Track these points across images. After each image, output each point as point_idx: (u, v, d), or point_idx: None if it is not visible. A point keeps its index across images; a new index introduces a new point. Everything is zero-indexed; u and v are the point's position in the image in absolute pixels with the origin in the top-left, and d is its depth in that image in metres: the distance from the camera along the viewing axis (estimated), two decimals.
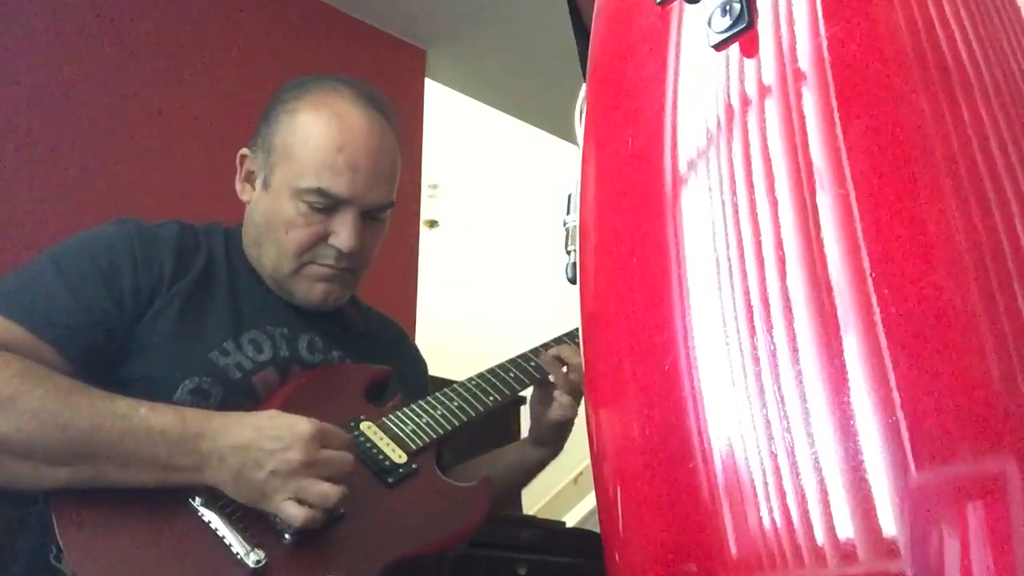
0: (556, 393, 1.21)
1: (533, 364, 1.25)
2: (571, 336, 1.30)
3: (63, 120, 2.29)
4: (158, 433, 0.89)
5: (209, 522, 0.90)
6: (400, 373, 1.22)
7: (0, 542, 1.01)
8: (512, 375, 1.23)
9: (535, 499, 4.64)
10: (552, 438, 1.24)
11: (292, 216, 1.09)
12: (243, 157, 1.16)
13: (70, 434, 0.87)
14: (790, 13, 0.49)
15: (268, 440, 0.91)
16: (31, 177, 2.21)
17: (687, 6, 0.54)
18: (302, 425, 0.92)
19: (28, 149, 2.21)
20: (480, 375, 1.22)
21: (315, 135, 1.09)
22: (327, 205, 1.09)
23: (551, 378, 1.22)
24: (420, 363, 1.35)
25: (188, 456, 0.90)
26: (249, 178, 1.16)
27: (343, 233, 1.09)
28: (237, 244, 1.17)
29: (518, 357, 1.26)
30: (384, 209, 1.15)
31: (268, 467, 0.90)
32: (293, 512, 0.90)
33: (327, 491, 0.91)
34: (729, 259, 0.48)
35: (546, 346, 1.28)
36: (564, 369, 1.22)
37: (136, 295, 1.02)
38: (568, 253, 0.66)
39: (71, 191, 2.25)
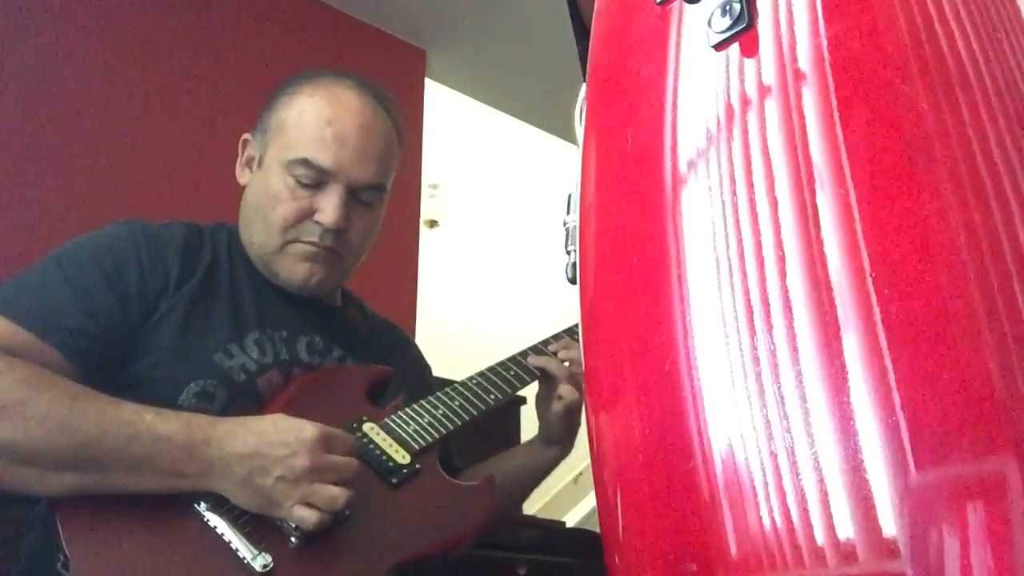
0: (560, 385, 1.21)
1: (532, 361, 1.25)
2: (570, 332, 1.31)
3: (63, 120, 2.29)
4: (164, 439, 0.89)
5: (215, 527, 0.90)
6: (403, 376, 1.22)
7: (2, 544, 1.01)
8: (513, 373, 1.23)
9: (535, 499, 4.63)
10: (562, 433, 1.24)
11: (279, 190, 1.09)
12: (245, 142, 1.18)
13: (76, 440, 0.87)
14: (790, 13, 0.49)
15: (274, 447, 0.90)
16: (32, 178, 2.21)
17: (687, 6, 0.54)
18: (307, 430, 0.92)
19: (28, 150, 2.21)
20: (481, 373, 1.22)
21: (307, 111, 1.12)
22: (313, 179, 1.09)
23: (552, 370, 1.22)
24: (426, 369, 1.35)
25: (194, 463, 0.89)
26: (249, 163, 1.18)
27: (328, 208, 1.09)
28: (238, 241, 1.17)
29: (518, 355, 1.26)
30: (372, 190, 1.14)
31: (275, 474, 0.90)
32: (304, 516, 0.90)
33: (334, 495, 0.91)
34: (729, 259, 0.48)
35: (545, 343, 1.28)
36: (567, 363, 1.23)
37: (142, 298, 1.02)
38: (568, 253, 0.66)
39: (71, 192, 2.25)
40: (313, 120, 1.10)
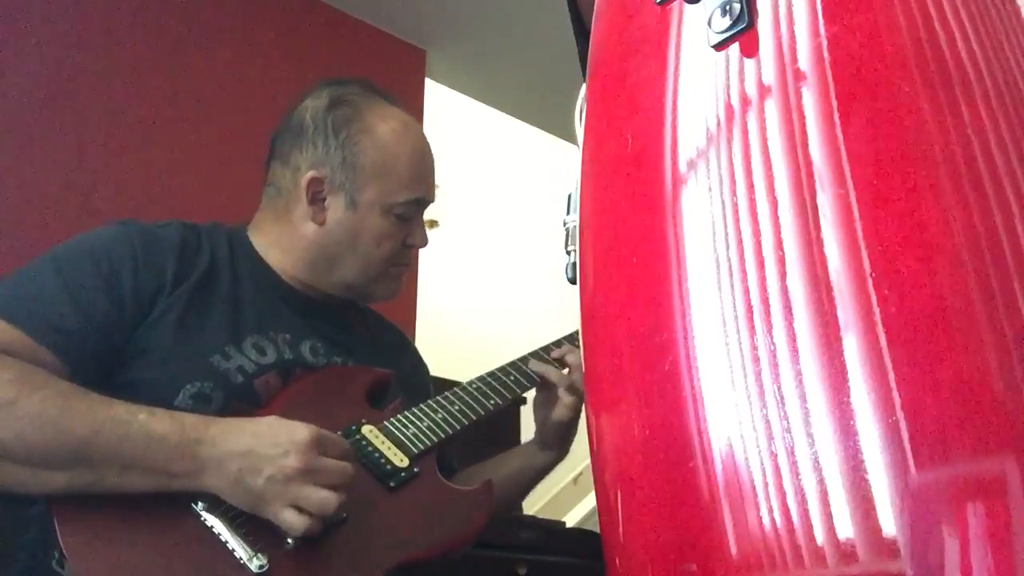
0: (560, 392, 1.21)
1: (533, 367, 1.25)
2: (571, 338, 1.30)
3: (63, 120, 2.29)
4: (157, 439, 0.89)
5: (212, 527, 0.90)
6: (402, 377, 1.22)
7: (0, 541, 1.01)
8: (512, 378, 1.22)
9: (535, 499, 4.63)
10: (558, 440, 1.24)
11: (386, 229, 1.16)
12: (312, 181, 1.15)
13: (69, 439, 0.87)
14: (790, 13, 0.49)
15: (266, 447, 0.90)
16: (31, 177, 2.21)
17: (687, 6, 0.54)
18: (300, 432, 0.92)
19: (28, 149, 2.21)
20: (480, 378, 1.22)
21: (402, 150, 1.17)
22: (415, 212, 1.18)
23: (552, 379, 1.22)
24: (422, 366, 1.35)
25: (186, 462, 0.89)
26: (316, 200, 1.15)
27: (419, 233, 1.20)
28: (243, 246, 1.17)
29: (518, 360, 1.26)
30: None
31: (265, 473, 0.89)
32: (291, 520, 0.89)
33: (325, 498, 0.90)
34: (729, 259, 0.48)
35: (546, 349, 1.28)
36: (566, 370, 1.22)
37: (137, 299, 1.01)
38: (568, 253, 0.66)
39: (71, 191, 2.25)
40: (412, 159, 1.18)
